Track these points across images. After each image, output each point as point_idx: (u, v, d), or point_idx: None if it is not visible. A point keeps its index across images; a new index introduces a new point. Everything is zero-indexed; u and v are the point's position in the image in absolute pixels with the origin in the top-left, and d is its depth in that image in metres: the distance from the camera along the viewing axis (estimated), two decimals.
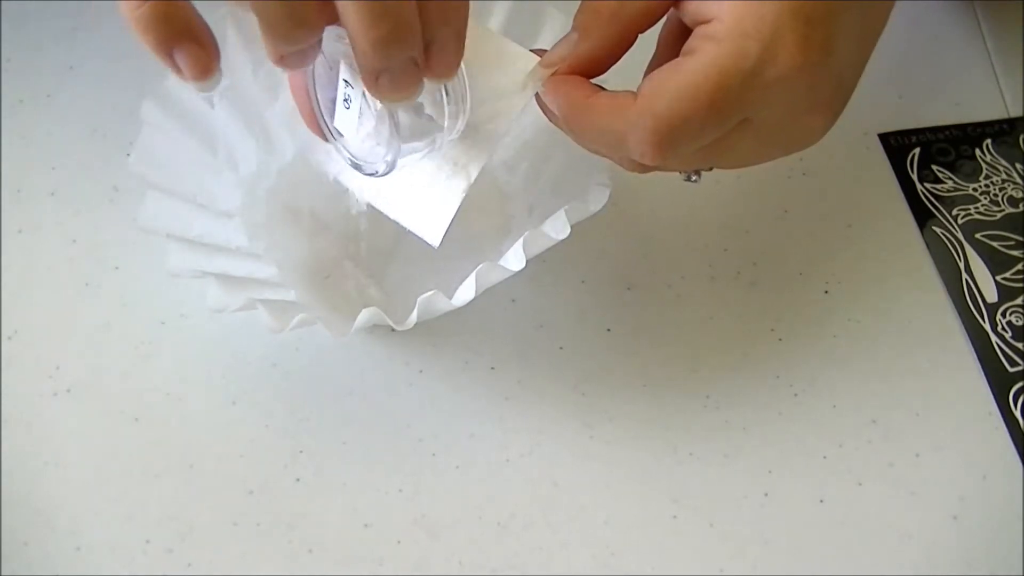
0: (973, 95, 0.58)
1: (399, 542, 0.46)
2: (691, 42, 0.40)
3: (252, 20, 0.51)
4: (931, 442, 0.48)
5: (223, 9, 0.50)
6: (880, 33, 0.44)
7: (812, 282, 0.52)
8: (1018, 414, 0.49)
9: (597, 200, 0.46)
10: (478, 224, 0.51)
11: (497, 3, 0.51)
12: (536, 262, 0.46)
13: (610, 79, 0.43)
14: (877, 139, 0.56)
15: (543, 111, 0.43)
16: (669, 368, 0.50)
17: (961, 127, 0.57)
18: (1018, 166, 0.55)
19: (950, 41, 0.60)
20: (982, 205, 0.54)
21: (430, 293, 0.45)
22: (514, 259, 0.45)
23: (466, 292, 0.45)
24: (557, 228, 0.45)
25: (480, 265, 0.44)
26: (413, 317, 0.46)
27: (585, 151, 0.47)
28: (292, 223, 0.52)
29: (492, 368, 0.50)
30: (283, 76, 0.52)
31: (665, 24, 0.43)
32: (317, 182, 0.53)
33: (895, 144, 0.56)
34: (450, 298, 0.45)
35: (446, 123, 0.42)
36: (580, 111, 0.41)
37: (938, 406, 0.49)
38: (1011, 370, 0.50)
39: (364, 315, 0.45)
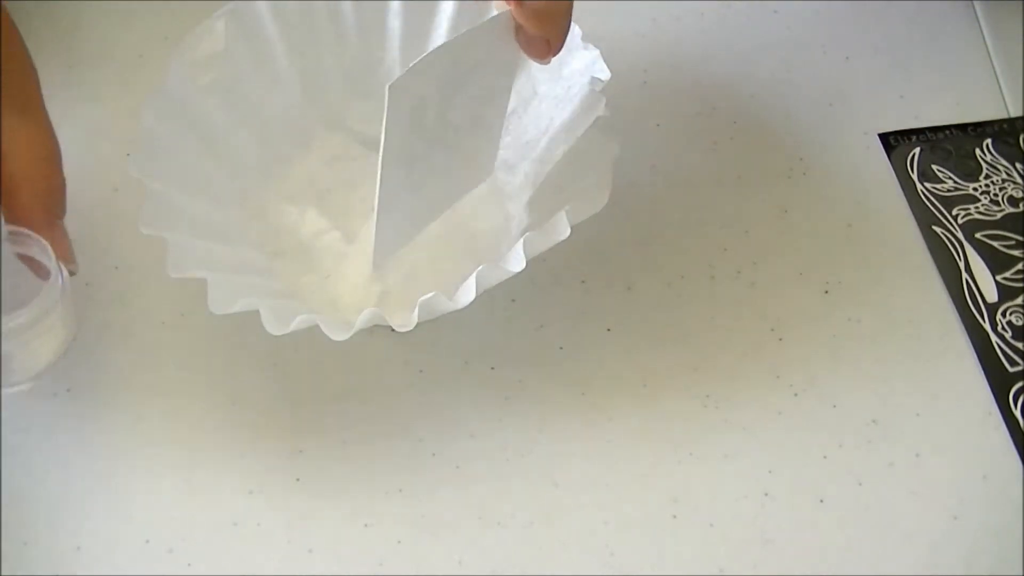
0: (973, 95, 0.58)
1: (399, 542, 0.46)
2: None
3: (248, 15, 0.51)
4: (931, 442, 0.48)
5: (220, 10, 0.50)
6: None
7: (812, 282, 0.52)
8: (1018, 414, 0.49)
9: (598, 200, 0.46)
10: (478, 224, 0.51)
11: (496, 1, 0.51)
12: (536, 262, 0.46)
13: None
14: (877, 139, 0.56)
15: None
16: (669, 368, 0.50)
17: (961, 127, 0.57)
18: (1018, 166, 0.55)
19: (950, 41, 0.60)
20: (982, 205, 0.54)
21: (430, 295, 0.45)
22: (514, 260, 0.45)
23: (466, 293, 0.45)
24: (558, 228, 0.45)
25: (480, 266, 0.44)
26: (413, 318, 0.46)
27: (586, 152, 0.47)
28: (293, 222, 0.52)
29: (492, 368, 0.50)
30: (283, 73, 0.52)
31: None
32: (318, 180, 0.53)
33: (895, 144, 0.56)
34: (450, 299, 0.45)
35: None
36: None
37: (938, 406, 0.49)
38: (1011, 370, 0.50)
39: (364, 315, 0.45)
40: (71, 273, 0.46)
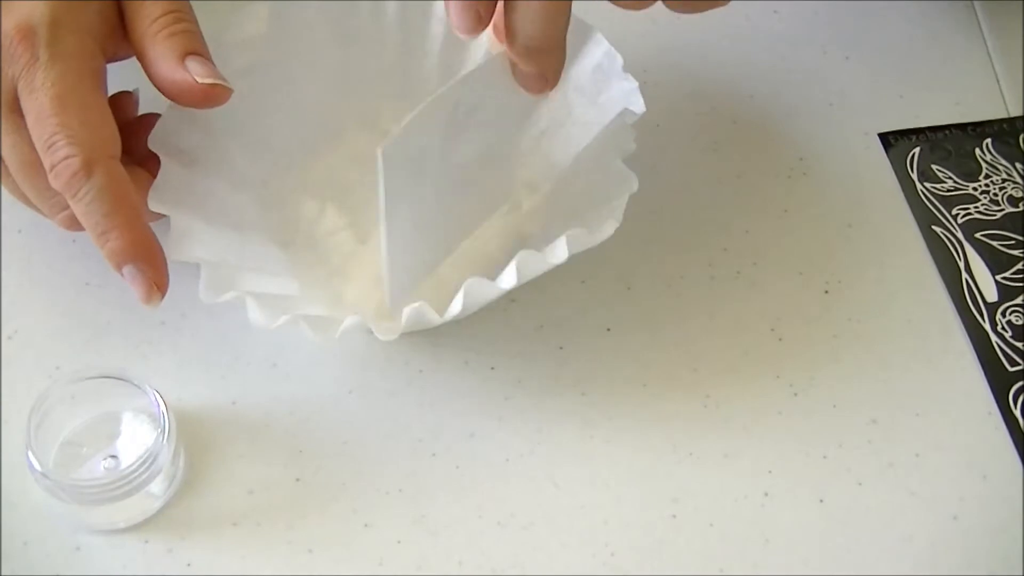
0: (973, 95, 0.58)
1: (399, 542, 0.46)
2: None
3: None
4: (931, 442, 0.48)
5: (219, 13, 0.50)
6: None
7: (812, 282, 0.52)
8: (1018, 414, 0.49)
9: (604, 230, 0.46)
10: (489, 241, 0.51)
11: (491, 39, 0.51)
12: None
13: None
14: (877, 139, 0.56)
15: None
16: (669, 368, 0.50)
17: (961, 127, 0.57)
18: (1018, 166, 0.55)
19: (950, 41, 0.60)
20: (982, 205, 0.54)
21: (472, 279, 0.44)
22: (558, 252, 0.45)
23: (508, 279, 0.45)
24: (604, 229, 0.46)
25: (520, 253, 0.44)
26: (457, 304, 0.45)
27: (605, 181, 0.47)
28: (309, 215, 0.52)
29: (492, 368, 0.50)
30: (320, 65, 0.52)
31: None
32: (340, 176, 0.53)
33: (895, 144, 0.56)
34: (440, 313, 0.45)
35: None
36: None
37: (938, 406, 0.49)
38: (1011, 370, 0.50)
39: (406, 313, 0.45)
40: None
